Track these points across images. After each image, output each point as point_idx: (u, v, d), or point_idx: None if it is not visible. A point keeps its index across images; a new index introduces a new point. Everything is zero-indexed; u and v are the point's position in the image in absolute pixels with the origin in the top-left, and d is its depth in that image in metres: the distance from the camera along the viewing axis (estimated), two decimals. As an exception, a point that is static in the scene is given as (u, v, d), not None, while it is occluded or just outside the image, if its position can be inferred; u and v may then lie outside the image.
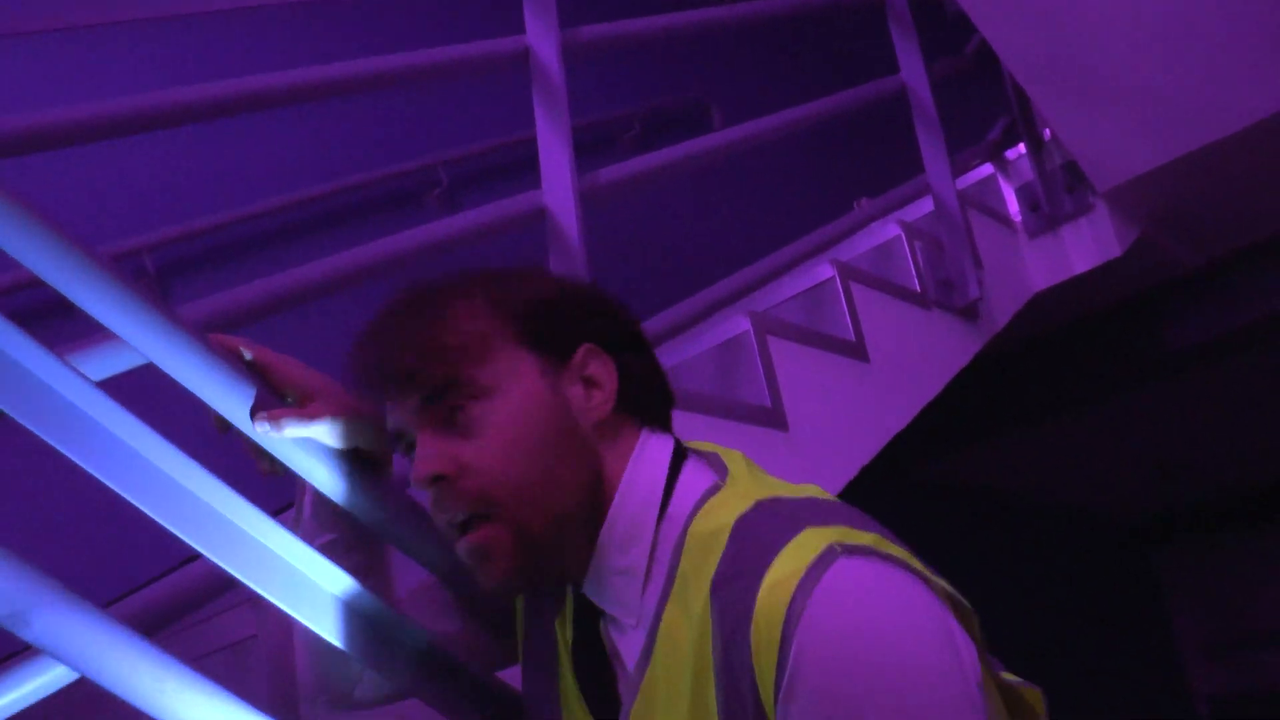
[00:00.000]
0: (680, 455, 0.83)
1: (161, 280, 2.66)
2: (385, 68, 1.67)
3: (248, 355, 0.85)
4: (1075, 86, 2.49)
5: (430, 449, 0.78)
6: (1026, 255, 2.71)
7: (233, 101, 1.50)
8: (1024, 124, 2.74)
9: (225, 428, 0.84)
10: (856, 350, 2.01)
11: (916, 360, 2.17)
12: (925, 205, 2.51)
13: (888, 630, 0.65)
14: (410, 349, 0.79)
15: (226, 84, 1.48)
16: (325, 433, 0.85)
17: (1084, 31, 2.42)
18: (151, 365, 0.73)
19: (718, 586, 0.71)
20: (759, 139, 2.19)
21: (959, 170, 2.66)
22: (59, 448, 0.60)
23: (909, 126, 2.49)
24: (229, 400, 0.76)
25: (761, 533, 0.71)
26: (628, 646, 0.80)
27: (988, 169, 2.83)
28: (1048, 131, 2.69)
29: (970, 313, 2.35)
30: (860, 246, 2.37)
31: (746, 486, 0.78)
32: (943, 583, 0.71)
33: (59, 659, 0.55)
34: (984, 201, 2.64)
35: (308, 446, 0.84)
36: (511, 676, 0.97)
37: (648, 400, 0.86)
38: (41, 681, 0.77)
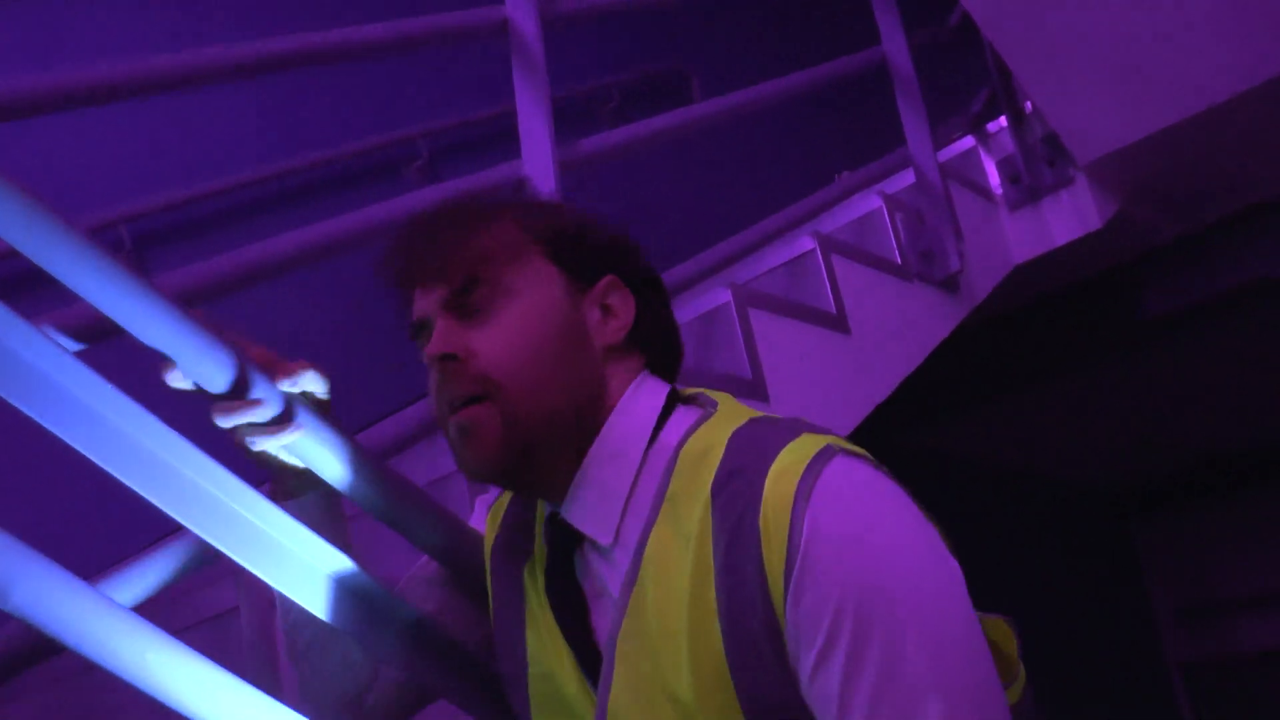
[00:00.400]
0: (676, 398, 0.86)
1: (138, 251, 2.63)
2: (364, 38, 1.66)
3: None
4: (1056, 60, 2.50)
5: (445, 332, 0.82)
6: (1007, 227, 2.72)
7: (210, 71, 1.48)
8: (1005, 97, 2.74)
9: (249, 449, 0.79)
10: (837, 322, 2.02)
11: (897, 332, 2.18)
12: (906, 177, 2.51)
13: (888, 511, 0.71)
14: (448, 244, 0.84)
15: (202, 53, 1.47)
16: (313, 380, 0.83)
17: (1065, 5, 2.42)
18: (129, 335, 0.72)
19: (718, 489, 0.74)
20: (740, 110, 2.18)
21: (940, 142, 2.67)
22: (34, 417, 0.59)
23: (890, 98, 2.49)
24: (206, 367, 0.75)
25: (759, 439, 0.75)
26: (611, 572, 0.81)
27: (969, 141, 2.83)
28: (1029, 104, 2.70)
29: (951, 284, 2.35)
30: (841, 218, 2.38)
31: (737, 412, 0.82)
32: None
33: (42, 629, 0.55)
34: (965, 174, 2.65)
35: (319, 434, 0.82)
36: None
37: (658, 343, 0.89)
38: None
